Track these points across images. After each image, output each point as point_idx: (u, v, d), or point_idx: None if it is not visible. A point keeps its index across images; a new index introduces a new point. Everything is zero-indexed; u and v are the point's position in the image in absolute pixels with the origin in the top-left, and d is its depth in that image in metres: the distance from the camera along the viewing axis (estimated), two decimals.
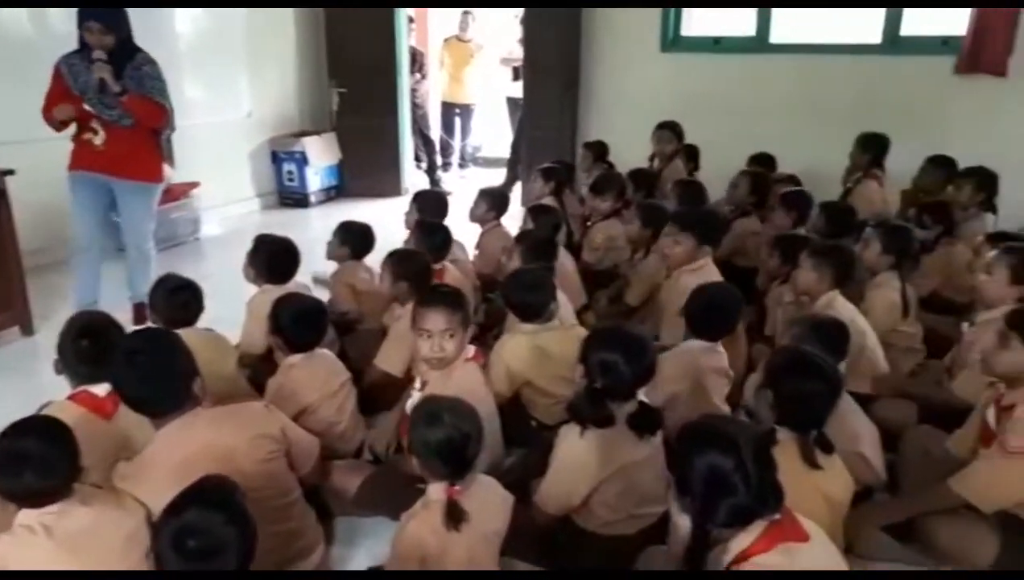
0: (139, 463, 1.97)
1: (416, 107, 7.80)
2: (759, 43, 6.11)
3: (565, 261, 3.73)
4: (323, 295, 3.48)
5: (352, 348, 3.24)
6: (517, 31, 7.80)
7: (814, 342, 2.34)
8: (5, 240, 3.79)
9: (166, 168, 4.18)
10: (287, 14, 6.91)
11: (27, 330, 3.98)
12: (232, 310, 3.19)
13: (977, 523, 2.18)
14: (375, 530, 2.47)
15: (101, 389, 2.18)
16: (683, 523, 1.70)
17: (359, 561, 2.37)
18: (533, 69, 6.65)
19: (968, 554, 2.21)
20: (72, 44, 3.63)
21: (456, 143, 8.67)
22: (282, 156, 6.98)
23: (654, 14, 6.26)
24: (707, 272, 3.27)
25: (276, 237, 3.31)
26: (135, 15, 4.95)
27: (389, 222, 4.61)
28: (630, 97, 6.43)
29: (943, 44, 5.60)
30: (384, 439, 2.71)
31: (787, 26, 6.07)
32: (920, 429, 2.67)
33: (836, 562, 1.62)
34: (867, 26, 5.81)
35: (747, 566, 1.50)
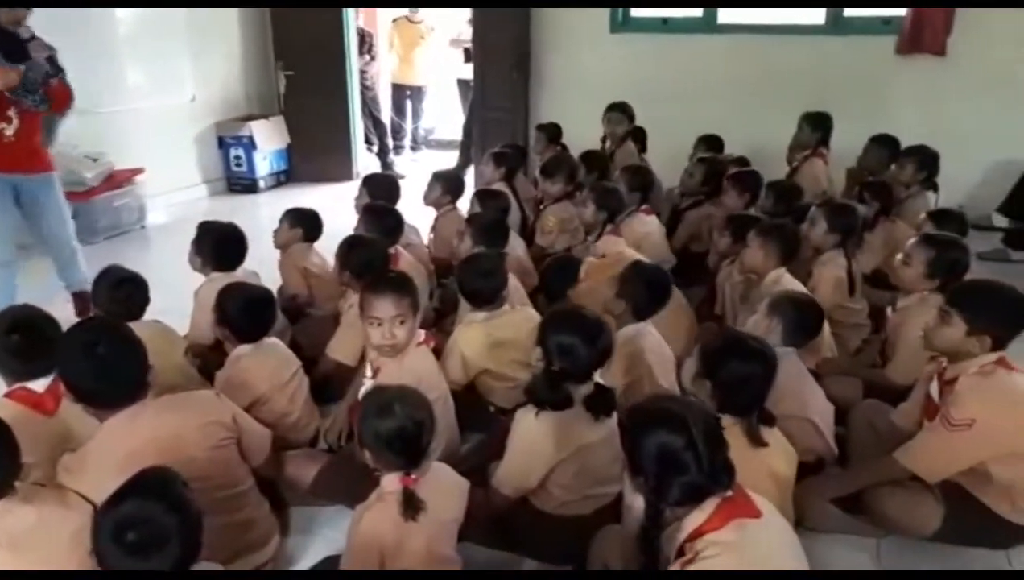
0: (83, 455, 1.92)
1: (366, 89, 7.68)
2: (707, 24, 6.15)
3: (515, 244, 3.73)
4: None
5: (303, 336, 3.21)
6: (466, 12, 7.73)
7: (793, 321, 2.45)
8: None
9: None
10: None
11: None
12: (180, 300, 3.12)
13: (922, 493, 2.26)
14: (333, 519, 2.46)
15: (39, 385, 2.12)
16: (637, 503, 1.72)
17: (317, 550, 2.35)
18: (483, 50, 6.61)
19: (914, 523, 2.29)
20: None
21: (408, 126, 8.57)
22: (229, 141, 6.82)
23: None
24: None
25: (221, 223, 3.24)
26: None
27: (340, 207, 4.54)
28: (581, 78, 6.43)
29: (884, 24, 5.72)
30: (337, 428, 2.68)
31: (734, 7, 6.11)
32: (866, 403, 2.74)
33: (788, 537, 1.65)
34: (812, 8, 5.90)
35: (700, 543, 1.53)
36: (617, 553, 1.94)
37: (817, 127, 4.76)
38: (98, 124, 5.53)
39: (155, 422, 1.95)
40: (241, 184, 6.95)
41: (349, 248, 3.06)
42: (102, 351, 1.89)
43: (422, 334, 2.53)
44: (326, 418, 2.78)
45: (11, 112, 3.43)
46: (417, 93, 8.47)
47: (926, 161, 4.24)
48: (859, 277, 3.36)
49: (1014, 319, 2.22)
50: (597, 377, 2.19)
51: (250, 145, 6.78)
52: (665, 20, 6.30)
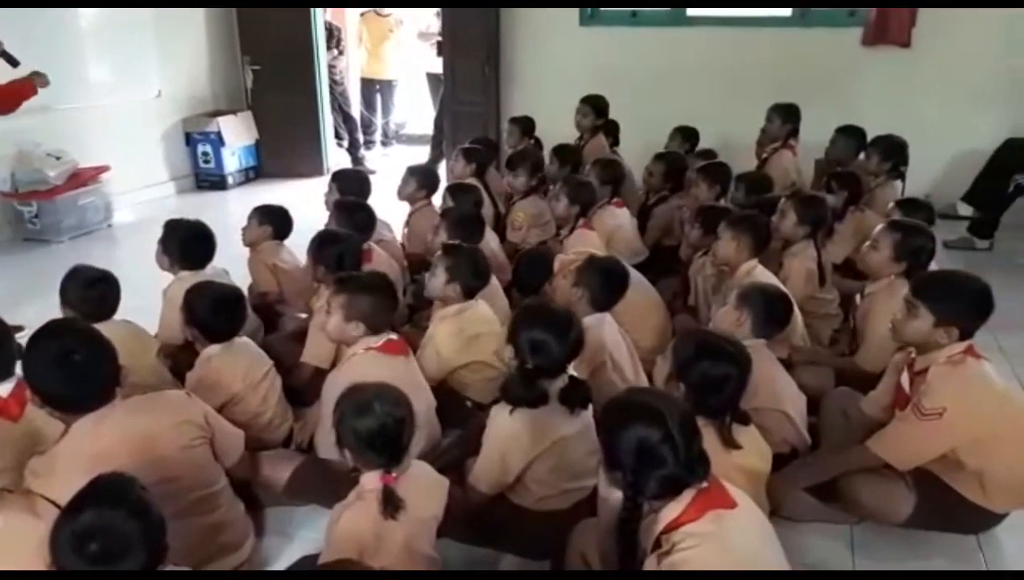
0: (51, 458, 1.87)
1: (335, 84, 7.60)
2: (676, 17, 6.18)
3: (489, 239, 3.72)
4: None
5: (278, 346, 3.10)
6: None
7: (763, 312, 2.47)
8: None
9: None
10: None
11: None
12: (149, 300, 3.07)
13: (895, 481, 2.29)
14: (309, 520, 2.44)
15: (3, 389, 2.07)
16: (612, 496, 1.74)
17: (293, 551, 2.32)
18: (452, 43, 6.58)
19: (887, 510, 2.32)
20: None
21: (378, 120, 8.51)
22: (196, 137, 6.72)
23: None
24: None
25: (188, 221, 3.18)
26: None
27: (310, 203, 4.49)
28: (552, 71, 6.43)
29: (850, 16, 5.78)
30: (308, 432, 2.65)
31: (702, 6, 6.15)
32: (837, 391, 2.78)
33: (764, 526, 1.67)
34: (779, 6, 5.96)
35: (677, 535, 1.54)
36: (595, 547, 1.94)
37: (787, 119, 4.79)
38: (61, 121, 5.43)
39: (125, 423, 1.92)
40: (209, 181, 6.85)
41: (321, 243, 3.03)
42: (71, 357, 1.85)
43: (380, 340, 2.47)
44: (299, 419, 2.75)
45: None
46: (387, 87, 8.41)
47: (893, 150, 4.29)
48: (829, 268, 3.40)
49: (979, 309, 2.25)
50: (571, 369, 2.20)
51: (218, 141, 6.69)
52: (634, 13, 6.31)
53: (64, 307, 2.65)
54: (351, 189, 3.96)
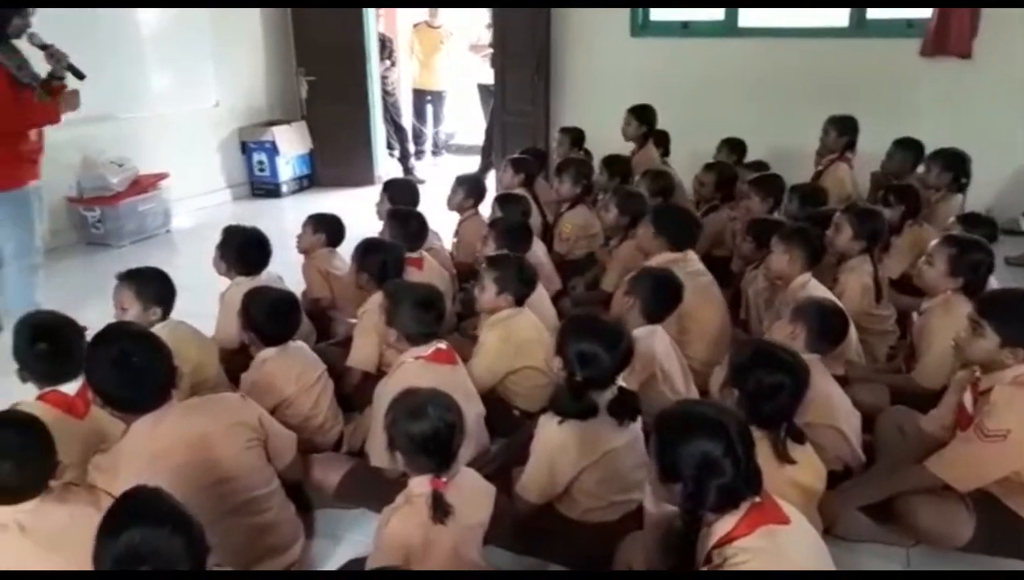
0: (114, 455, 1.94)
1: (387, 94, 7.72)
2: (728, 27, 6.13)
3: (536, 248, 3.73)
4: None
5: (330, 351, 3.13)
6: (485, 17, 7.75)
7: (818, 328, 2.42)
8: None
9: None
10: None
11: None
12: (205, 304, 3.14)
13: (955, 502, 2.22)
14: (357, 523, 2.47)
15: (70, 387, 2.14)
16: (658, 509, 1.74)
17: (342, 554, 2.35)
18: (503, 54, 6.63)
19: (945, 533, 2.25)
20: None
21: (428, 131, 8.60)
22: (252, 146, 6.88)
23: None
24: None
25: (246, 228, 3.26)
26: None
27: (362, 211, 4.57)
28: (602, 82, 6.43)
29: (908, 26, 5.66)
30: (359, 437, 2.68)
31: (756, 10, 6.09)
32: (894, 409, 2.71)
33: (816, 544, 1.64)
34: (835, 9, 5.86)
35: (730, 550, 1.52)
36: (642, 559, 1.93)
37: (844, 131, 4.70)
38: (123, 129, 5.62)
39: (181, 423, 1.97)
40: (264, 189, 7.00)
41: (365, 251, 3.07)
42: (129, 360, 1.92)
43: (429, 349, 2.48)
44: (350, 423, 2.79)
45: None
46: (437, 98, 8.50)
47: (953, 163, 4.18)
48: (886, 283, 3.33)
49: None
50: (620, 380, 2.19)
51: (273, 150, 6.83)
52: (685, 24, 6.28)
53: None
54: (402, 198, 4.02)
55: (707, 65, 6.11)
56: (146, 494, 1.46)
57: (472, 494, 1.92)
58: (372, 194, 6.08)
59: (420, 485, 1.81)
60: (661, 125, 5.28)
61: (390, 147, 7.95)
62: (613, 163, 4.59)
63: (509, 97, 6.67)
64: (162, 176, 5.77)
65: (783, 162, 4.93)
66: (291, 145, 7.00)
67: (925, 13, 5.50)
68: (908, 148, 4.55)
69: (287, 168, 7.01)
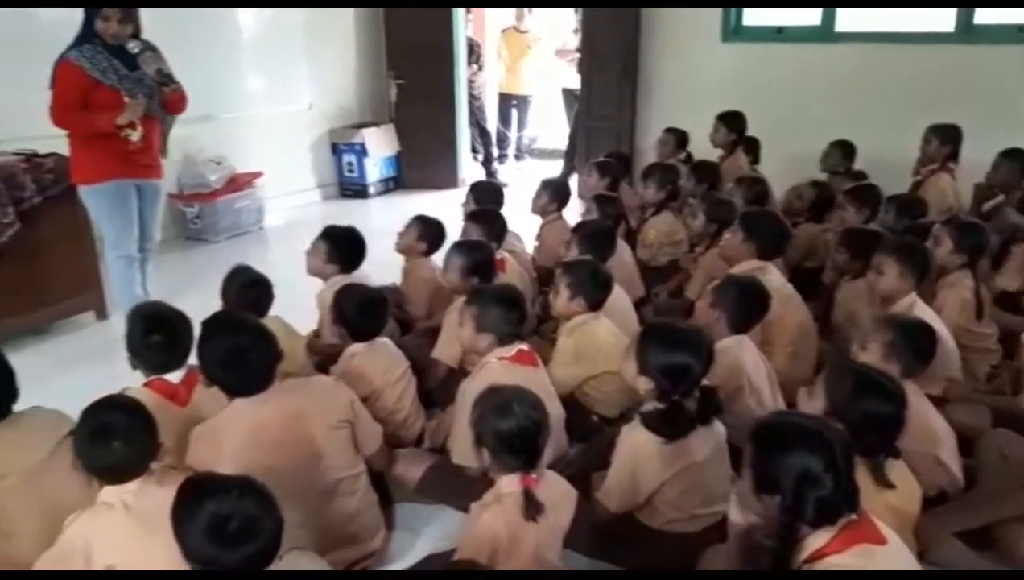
0: (215, 425, 2.04)
1: (473, 98, 7.81)
2: (824, 32, 5.95)
3: (623, 252, 3.70)
4: None
5: (413, 348, 3.17)
6: (572, 22, 7.76)
7: (904, 348, 2.28)
8: (80, 227, 3.92)
9: None
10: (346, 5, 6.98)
11: (102, 314, 4.12)
12: (294, 298, 3.22)
13: None
14: (436, 518, 2.51)
15: (174, 376, 2.25)
16: (741, 520, 1.71)
17: (420, 548, 2.39)
18: (590, 58, 6.62)
19: None
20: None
21: (512, 134, 8.66)
22: (342, 147, 7.06)
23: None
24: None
25: (346, 227, 3.33)
26: (196, 8, 5.01)
27: (445, 214, 4.62)
28: (690, 87, 6.34)
29: (1020, 31, 5.38)
30: (442, 434, 2.71)
31: (854, 14, 5.89)
32: (996, 433, 2.57)
33: (912, 568, 1.58)
34: (939, 13, 5.61)
35: (821, 566, 1.48)
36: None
37: (946, 140, 4.49)
38: (222, 129, 5.85)
39: (280, 401, 2.07)
40: (352, 189, 7.18)
41: (472, 252, 3.09)
42: (243, 351, 2.02)
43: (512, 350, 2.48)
44: (432, 419, 2.83)
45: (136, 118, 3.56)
46: (523, 102, 8.54)
47: None
48: (988, 299, 3.16)
49: None
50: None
51: (362, 152, 7.00)
52: (780, 29, 6.13)
53: (224, 302, 2.82)
54: (488, 200, 4.05)
55: (801, 71, 5.95)
56: (207, 476, 1.59)
57: (557, 496, 1.91)
58: (456, 197, 6.17)
59: (510, 484, 1.82)
60: (751, 132, 5.17)
61: (474, 150, 8.04)
62: (701, 169, 4.52)
63: (595, 102, 6.65)
64: (257, 175, 5.99)
65: (880, 172, 4.73)
66: (379, 147, 7.16)
67: None
68: (1015, 159, 4.31)
69: (375, 169, 7.17)
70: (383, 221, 6.44)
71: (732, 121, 5.08)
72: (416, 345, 3.23)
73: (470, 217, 3.63)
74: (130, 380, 2.33)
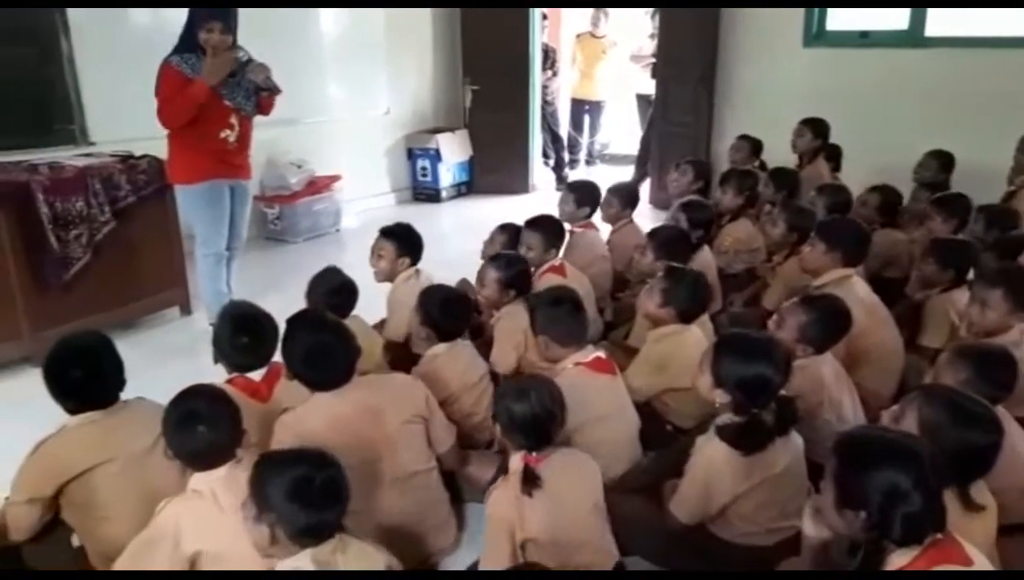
0: (299, 414, 2.12)
1: (546, 104, 7.83)
2: (912, 37, 5.74)
3: (710, 260, 3.64)
4: None
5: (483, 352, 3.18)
6: (648, 27, 7.70)
7: (981, 378, 2.13)
8: (169, 226, 4.10)
9: None
10: (425, 13, 7.09)
11: (186, 310, 4.29)
12: (368, 298, 3.26)
13: None
14: None
15: (256, 374, 2.32)
16: (816, 534, 1.67)
17: None
18: (667, 62, 6.55)
19: None
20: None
21: (584, 140, 8.64)
22: (417, 152, 7.18)
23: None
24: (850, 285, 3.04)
25: (397, 222, 3.42)
26: (280, 15, 5.19)
27: (517, 220, 4.64)
28: (769, 93, 6.21)
29: None
30: None
31: (944, 18, 5.67)
32: None
33: None
34: None
35: None
36: None
37: None
38: (303, 133, 6.02)
39: (358, 394, 2.15)
40: (425, 193, 7.29)
41: (510, 266, 3.07)
42: (325, 350, 2.11)
43: (588, 355, 2.47)
44: None
45: (233, 119, 3.71)
46: (596, 108, 8.53)
47: None
48: None
49: None
50: None
51: (436, 157, 7.10)
52: (864, 33, 5.95)
53: (309, 302, 2.87)
54: (585, 198, 4.04)
55: (887, 77, 5.75)
56: (286, 450, 1.73)
57: (571, 471, 2.01)
58: (527, 202, 6.20)
59: (515, 461, 1.97)
60: (833, 139, 5.03)
61: (545, 156, 8.05)
62: (780, 176, 4.42)
63: (670, 107, 6.58)
64: (335, 178, 6.14)
65: (969, 182, 4.54)
66: (453, 152, 7.24)
67: None
68: None
69: (448, 174, 7.26)
70: (454, 225, 6.54)
71: (818, 126, 4.95)
72: (484, 349, 3.26)
73: (527, 224, 3.58)
74: (213, 374, 2.41)
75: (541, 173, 7.81)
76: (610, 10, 8.24)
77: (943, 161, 4.61)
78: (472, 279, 3.71)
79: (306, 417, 2.11)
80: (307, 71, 5.97)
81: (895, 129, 5.50)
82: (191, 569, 1.77)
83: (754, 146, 5.15)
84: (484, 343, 3.13)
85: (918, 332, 3.23)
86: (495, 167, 7.42)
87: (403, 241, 3.32)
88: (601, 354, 2.49)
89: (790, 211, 3.61)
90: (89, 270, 3.70)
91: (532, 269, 3.27)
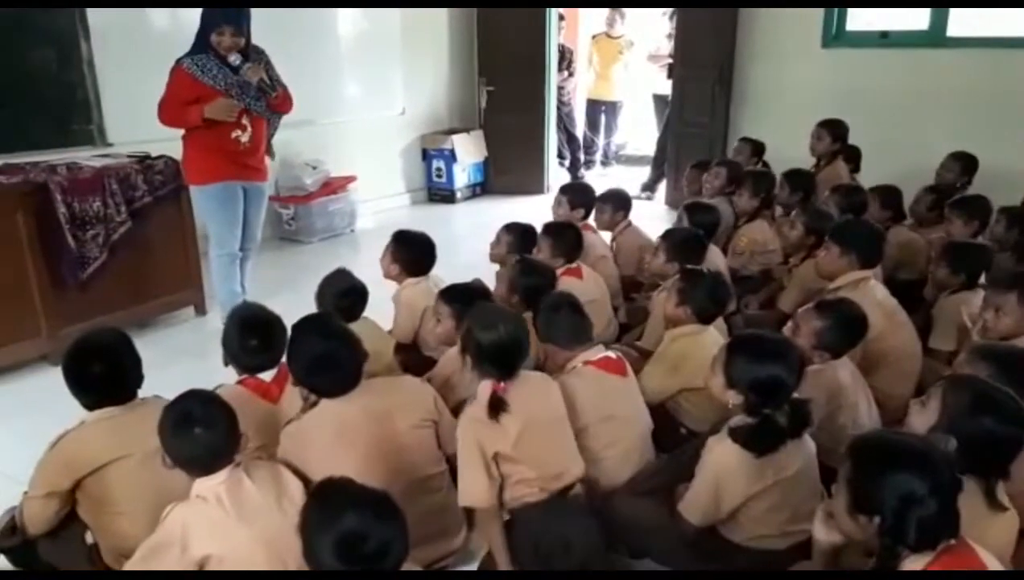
0: (305, 424, 2.11)
1: (562, 104, 7.82)
2: (933, 37, 5.68)
3: (717, 260, 3.62)
4: None
5: None
6: (665, 27, 7.67)
7: (1002, 378, 2.09)
8: (184, 226, 4.13)
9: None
10: (441, 14, 7.11)
11: (200, 310, 4.32)
12: (382, 299, 3.27)
13: None
14: None
15: (267, 375, 2.32)
16: (827, 538, 1.66)
17: None
18: (683, 63, 6.53)
19: None
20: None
21: (600, 141, 8.63)
22: (432, 153, 7.19)
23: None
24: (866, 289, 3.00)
25: (417, 233, 3.34)
26: (297, 16, 5.22)
27: (532, 220, 4.63)
28: (787, 94, 6.17)
29: None
30: None
31: (966, 18, 5.60)
32: None
33: None
34: None
35: None
36: None
37: None
38: (319, 133, 6.04)
39: (366, 399, 2.13)
40: (440, 194, 7.30)
41: (527, 274, 3.02)
42: (332, 355, 2.09)
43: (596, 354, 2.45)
44: None
45: (245, 120, 3.74)
46: (612, 108, 8.51)
47: None
48: None
49: None
50: None
51: (451, 158, 7.11)
52: (884, 33, 5.89)
53: (319, 305, 2.87)
54: (579, 200, 4.03)
55: (907, 78, 5.69)
56: (347, 482, 1.54)
57: (534, 392, 2.15)
58: (542, 202, 6.18)
59: (483, 390, 2.09)
60: (852, 141, 4.98)
61: (560, 156, 8.04)
62: (796, 178, 4.38)
63: (687, 108, 6.55)
64: (350, 179, 6.16)
65: (990, 184, 4.48)
66: (468, 153, 7.25)
67: None
68: None
69: (462, 175, 7.27)
70: (469, 226, 6.54)
71: (836, 129, 4.90)
72: None
73: (544, 230, 3.57)
74: (225, 374, 2.43)
75: (556, 174, 7.80)
76: (627, 11, 8.23)
77: (965, 163, 4.55)
78: (486, 280, 3.74)
79: (310, 427, 2.08)
80: (323, 72, 6.00)
81: (916, 131, 5.45)
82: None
83: (756, 148, 5.11)
84: None
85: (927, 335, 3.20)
86: (510, 168, 7.42)
87: (403, 255, 3.26)
88: (610, 354, 2.48)
89: (809, 214, 3.58)
90: (105, 269, 3.74)
91: None
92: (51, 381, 2.18)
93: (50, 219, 3.51)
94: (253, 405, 2.25)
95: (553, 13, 7.17)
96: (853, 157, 5.00)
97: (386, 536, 1.43)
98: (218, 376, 2.42)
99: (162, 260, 4.07)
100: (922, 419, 1.83)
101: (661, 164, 7.14)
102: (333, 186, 6.00)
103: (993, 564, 1.46)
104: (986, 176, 4.62)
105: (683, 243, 3.34)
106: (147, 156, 4.06)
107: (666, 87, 7.11)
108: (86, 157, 4.11)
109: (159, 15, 4.91)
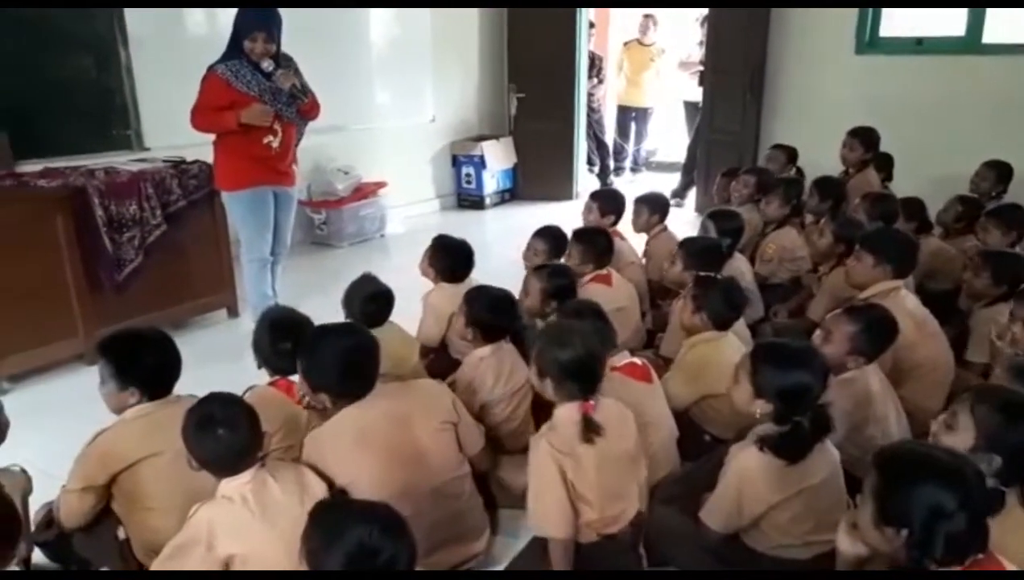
0: (327, 430, 2.12)
1: (592, 111, 7.83)
2: (969, 44, 5.60)
3: (744, 268, 3.59)
4: None
5: None
6: (697, 34, 7.64)
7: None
8: (217, 230, 4.20)
9: None
10: (472, 21, 7.15)
11: (233, 312, 4.39)
12: (412, 304, 3.30)
13: None
14: None
15: (297, 377, 2.34)
16: (851, 549, 1.64)
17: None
18: (714, 70, 6.50)
19: None
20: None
21: (630, 147, 8.61)
22: (462, 159, 7.23)
23: (851, 13, 5.92)
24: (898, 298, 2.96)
25: (456, 239, 3.38)
26: (329, 23, 5.27)
27: (561, 225, 4.63)
28: (819, 102, 6.12)
29: None
30: None
31: (1003, 24, 5.51)
32: None
33: None
34: None
35: None
36: None
37: None
38: (350, 139, 6.11)
39: (385, 404, 2.14)
40: (469, 200, 7.34)
41: (554, 277, 3.03)
42: (349, 360, 2.10)
43: (621, 360, 2.45)
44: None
45: (276, 125, 3.78)
46: (642, 115, 8.49)
47: None
48: None
49: None
50: None
51: (480, 164, 7.14)
52: (919, 40, 5.82)
53: (346, 310, 2.90)
54: (609, 207, 4.04)
55: (942, 85, 5.62)
56: (381, 506, 1.54)
57: (612, 418, 2.04)
58: (571, 209, 6.19)
59: (569, 410, 1.99)
60: (884, 149, 4.92)
61: (590, 163, 8.05)
62: (826, 185, 4.33)
63: (717, 115, 6.52)
64: (381, 184, 6.22)
65: None
66: (497, 160, 7.28)
67: None
68: None
69: (492, 181, 7.30)
70: (498, 232, 6.56)
71: (867, 137, 4.84)
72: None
73: (574, 236, 3.58)
74: (257, 376, 2.47)
75: (585, 180, 7.79)
76: (659, 18, 8.21)
77: (1000, 172, 4.47)
78: (514, 287, 3.74)
79: (329, 435, 2.09)
80: (354, 79, 6.07)
81: (950, 139, 5.37)
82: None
83: (790, 155, 5.07)
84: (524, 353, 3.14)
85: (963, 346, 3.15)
86: (539, 174, 7.44)
87: (441, 260, 3.30)
88: (636, 360, 2.47)
89: (840, 222, 3.54)
90: (141, 271, 3.82)
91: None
92: (87, 380, 2.23)
93: (88, 222, 3.60)
94: (283, 406, 2.29)
95: (584, 20, 7.18)
96: (885, 165, 4.94)
97: (392, 552, 1.42)
98: (250, 377, 2.46)
99: (196, 263, 4.15)
100: (955, 441, 1.78)
101: (691, 171, 7.11)
102: (364, 191, 6.06)
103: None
104: (1022, 185, 4.54)
105: (700, 252, 3.32)
106: (182, 160, 4.15)
107: (697, 94, 7.09)
108: (123, 161, 4.21)
109: (196, 23, 5.01)
